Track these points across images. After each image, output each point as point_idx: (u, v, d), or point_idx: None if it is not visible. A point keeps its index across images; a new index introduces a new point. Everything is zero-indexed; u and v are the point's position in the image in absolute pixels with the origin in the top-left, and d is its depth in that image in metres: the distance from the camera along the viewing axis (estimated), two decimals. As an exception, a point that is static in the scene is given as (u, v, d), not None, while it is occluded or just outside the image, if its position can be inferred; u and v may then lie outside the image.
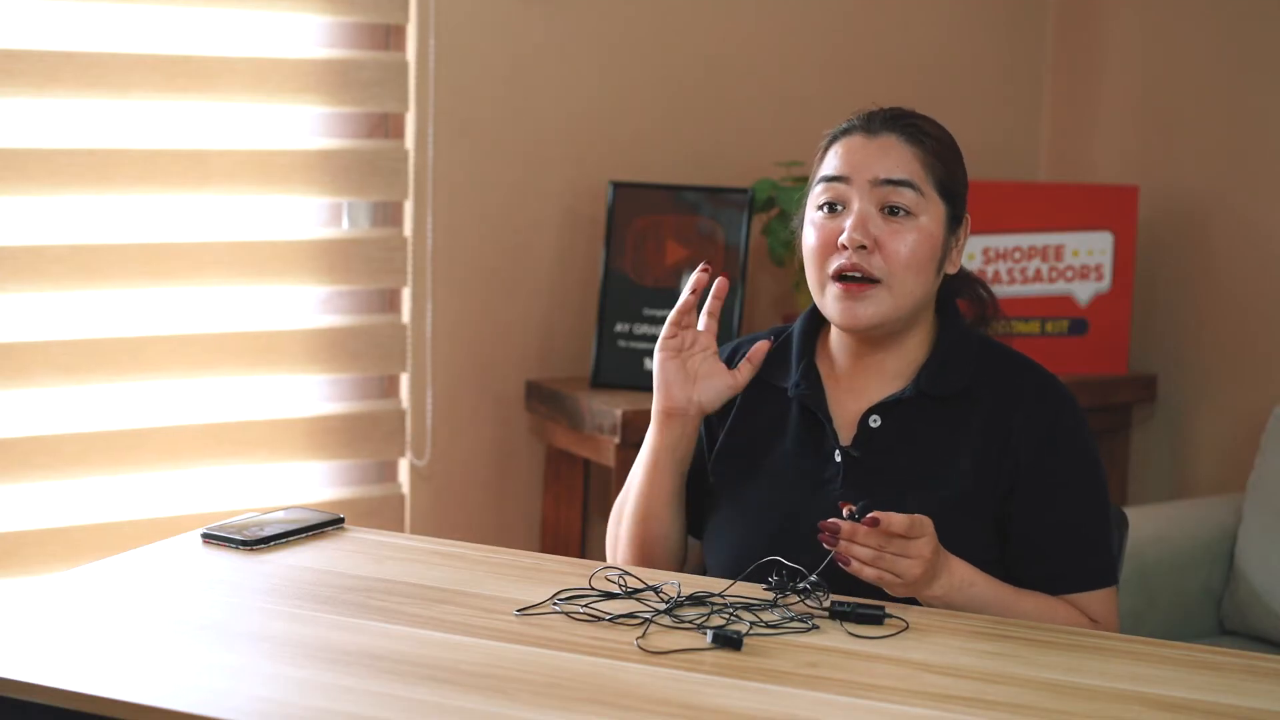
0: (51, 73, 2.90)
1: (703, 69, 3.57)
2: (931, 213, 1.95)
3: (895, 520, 1.77)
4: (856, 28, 3.74)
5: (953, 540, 1.88)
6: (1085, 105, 3.90)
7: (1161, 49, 3.74)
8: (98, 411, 3.04)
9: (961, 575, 1.86)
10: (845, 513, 1.80)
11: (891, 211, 1.94)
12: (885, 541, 1.78)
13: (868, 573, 1.79)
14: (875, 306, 1.94)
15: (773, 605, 1.80)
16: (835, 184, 1.96)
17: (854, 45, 3.73)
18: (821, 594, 1.80)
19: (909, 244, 1.93)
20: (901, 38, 3.79)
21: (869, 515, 1.78)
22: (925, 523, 1.80)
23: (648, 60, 3.50)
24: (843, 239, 1.93)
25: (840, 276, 1.94)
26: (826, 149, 2.01)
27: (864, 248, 1.92)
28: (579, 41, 3.42)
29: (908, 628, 1.77)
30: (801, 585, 1.81)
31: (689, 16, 3.54)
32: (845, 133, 1.99)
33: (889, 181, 1.94)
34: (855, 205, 1.94)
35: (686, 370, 2.02)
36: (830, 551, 1.81)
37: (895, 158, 1.95)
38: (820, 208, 1.98)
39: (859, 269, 1.93)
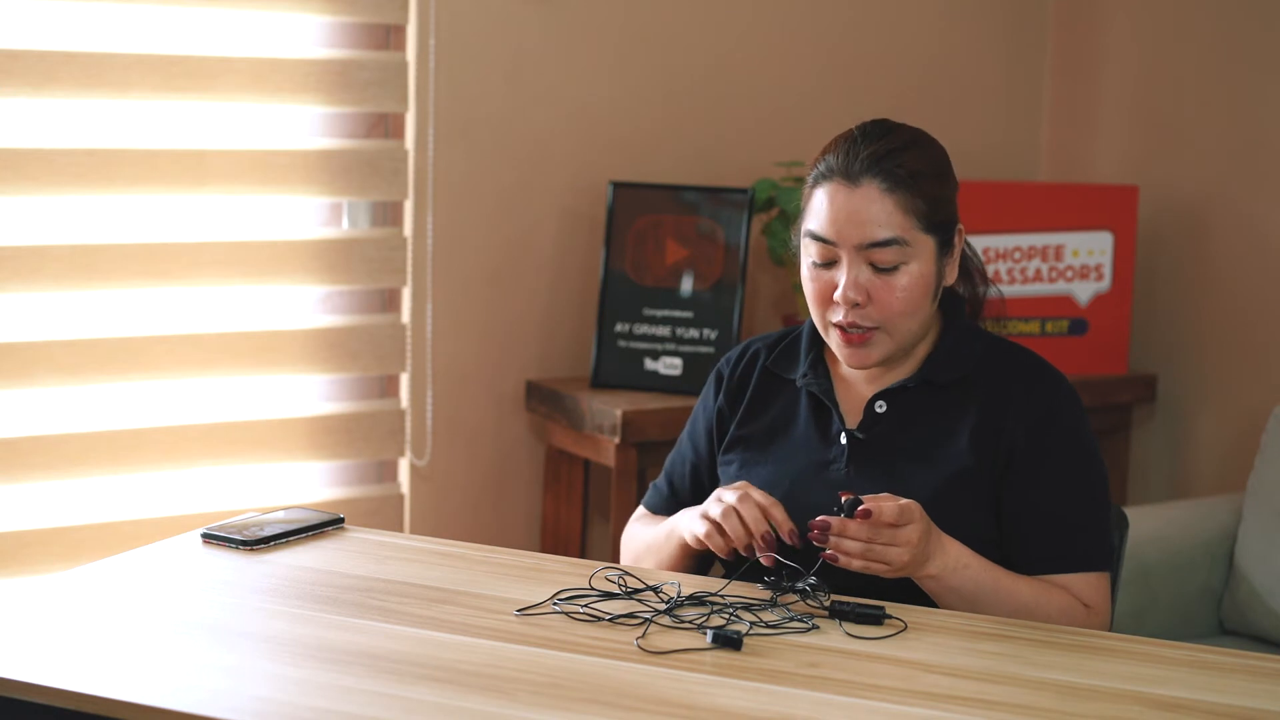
0: (51, 73, 2.90)
1: (703, 69, 3.56)
2: (921, 256, 1.98)
3: (886, 510, 1.81)
4: (856, 28, 3.74)
5: (952, 518, 1.92)
6: (1085, 105, 3.90)
7: (1161, 49, 3.74)
8: (98, 411, 3.04)
9: (956, 556, 1.89)
10: (844, 500, 1.82)
11: (882, 265, 1.96)
12: (874, 533, 1.82)
13: (856, 564, 1.83)
14: (879, 349, 1.99)
15: (772, 605, 1.81)
16: (824, 245, 1.98)
17: (854, 45, 3.73)
18: (821, 594, 1.81)
19: (901, 293, 1.96)
20: (901, 38, 3.79)
21: (860, 509, 1.80)
22: (913, 509, 1.83)
23: (648, 60, 3.50)
24: (837, 296, 1.97)
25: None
26: (811, 190, 2.02)
27: (858, 305, 1.96)
28: (579, 41, 3.42)
29: (906, 628, 1.77)
30: (800, 586, 1.82)
31: (689, 16, 3.54)
32: (826, 177, 1.99)
33: (875, 244, 1.95)
34: (845, 266, 1.97)
35: None
36: (822, 547, 1.84)
37: (878, 212, 1.95)
38: (812, 260, 2.00)
39: (856, 325, 1.97)
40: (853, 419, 2.05)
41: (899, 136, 2.00)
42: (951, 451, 1.98)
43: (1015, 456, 1.98)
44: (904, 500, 1.84)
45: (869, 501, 1.81)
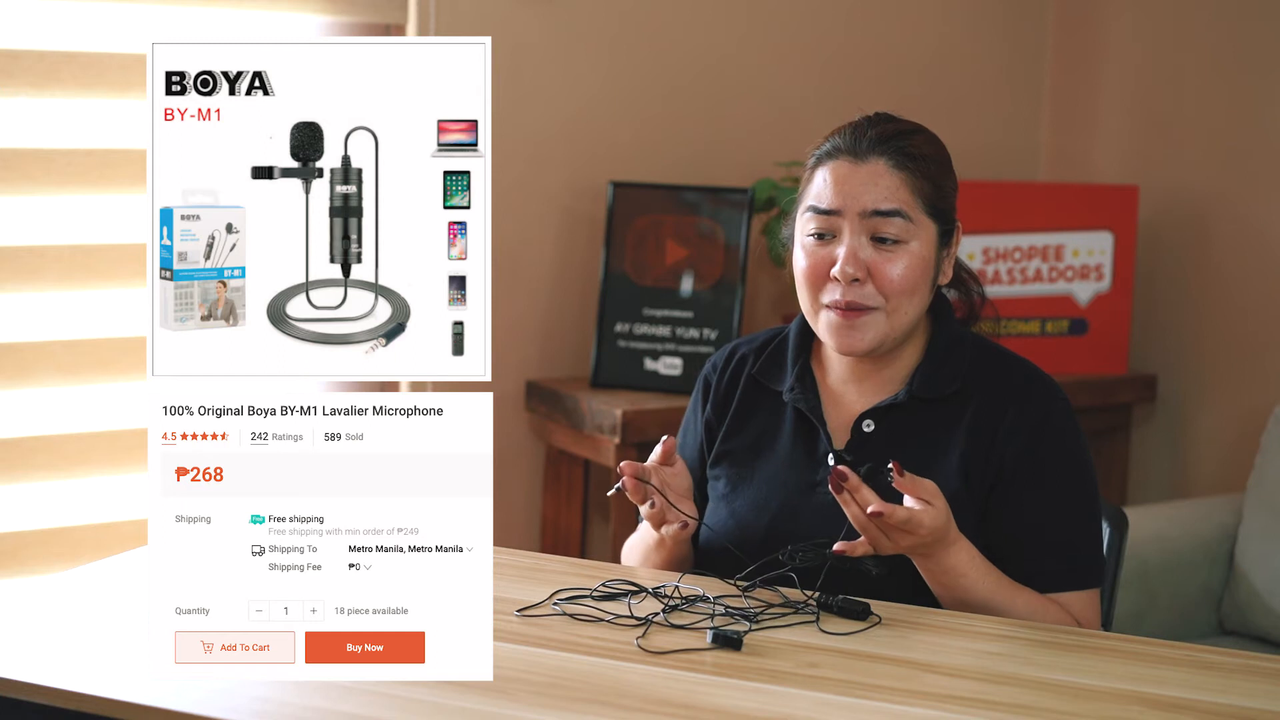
0: (51, 73, 2.90)
1: (703, 69, 3.57)
2: (922, 237, 1.95)
3: (896, 516, 1.78)
4: (856, 28, 3.74)
5: None
6: (1085, 105, 3.90)
7: (1161, 49, 3.74)
8: (98, 411, 3.04)
9: (954, 565, 1.85)
10: (865, 468, 1.82)
11: (882, 240, 1.94)
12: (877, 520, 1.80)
13: (859, 549, 1.82)
14: (872, 331, 1.94)
15: (770, 607, 1.81)
16: (825, 216, 1.95)
17: (854, 45, 3.73)
18: (879, 568, 1.83)
19: (901, 270, 1.93)
20: (901, 38, 3.79)
21: (871, 510, 1.77)
22: (921, 523, 1.79)
23: (648, 60, 3.50)
24: (835, 271, 1.93)
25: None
26: (814, 170, 2.00)
27: (857, 281, 1.93)
28: (579, 41, 3.42)
29: (881, 621, 1.78)
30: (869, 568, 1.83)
31: (689, 16, 3.54)
32: (832, 155, 1.98)
33: (879, 213, 1.93)
34: (846, 237, 1.94)
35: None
36: (827, 537, 1.84)
37: (884, 186, 1.94)
38: (810, 234, 1.97)
39: (853, 304, 1.93)
40: (840, 438, 2.00)
41: (906, 123, 2.00)
42: (940, 474, 1.93)
43: (1008, 475, 1.94)
44: (919, 509, 1.79)
45: (881, 506, 1.78)
